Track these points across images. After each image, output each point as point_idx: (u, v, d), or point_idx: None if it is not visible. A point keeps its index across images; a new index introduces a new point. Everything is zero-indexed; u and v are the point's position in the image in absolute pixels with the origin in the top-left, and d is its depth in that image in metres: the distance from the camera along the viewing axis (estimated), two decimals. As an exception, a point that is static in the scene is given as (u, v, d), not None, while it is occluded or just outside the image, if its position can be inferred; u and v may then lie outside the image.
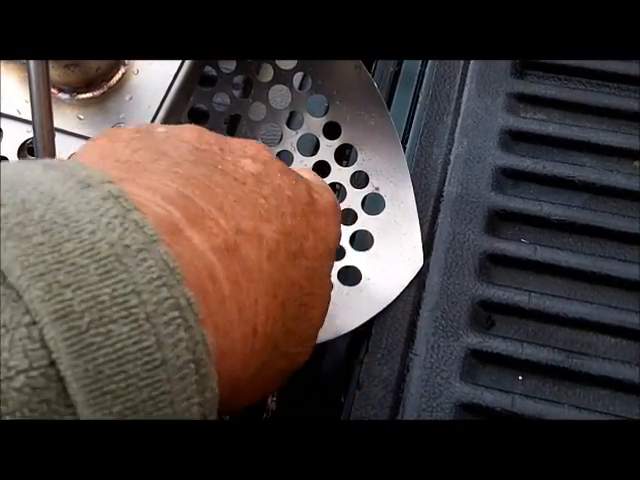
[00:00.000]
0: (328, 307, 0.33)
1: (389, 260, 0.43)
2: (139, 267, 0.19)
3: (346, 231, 0.44)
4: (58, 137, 0.34)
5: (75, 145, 0.37)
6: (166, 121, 0.38)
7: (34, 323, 0.18)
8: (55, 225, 0.19)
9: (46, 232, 0.19)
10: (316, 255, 0.30)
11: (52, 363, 0.18)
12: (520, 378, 0.40)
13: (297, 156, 0.46)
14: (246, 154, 0.29)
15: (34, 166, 0.21)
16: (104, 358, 0.18)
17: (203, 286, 0.22)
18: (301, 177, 0.31)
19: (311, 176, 0.35)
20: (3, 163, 0.21)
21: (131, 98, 0.38)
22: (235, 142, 0.30)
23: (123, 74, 0.39)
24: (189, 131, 0.29)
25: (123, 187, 0.21)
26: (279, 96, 0.47)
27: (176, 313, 0.20)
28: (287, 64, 0.45)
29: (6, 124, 0.38)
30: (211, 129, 0.46)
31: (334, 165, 0.46)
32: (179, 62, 0.39)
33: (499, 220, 0.45)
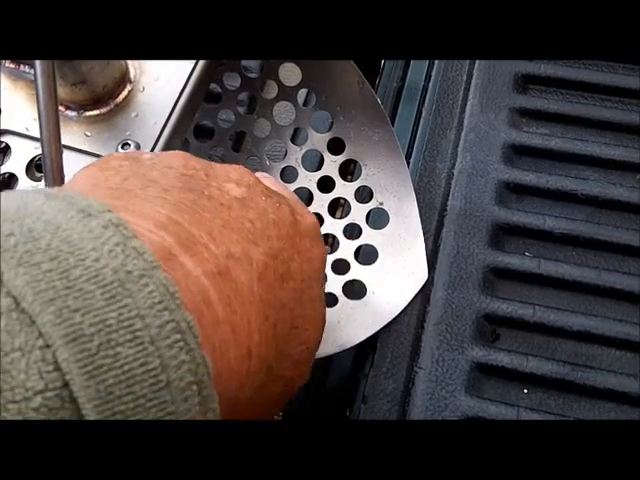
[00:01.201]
0: (322, 330, 0.33)
1: (394, 274, 0.43)
2: (141, 292, 0.20)
3: (351, 245, 0.44)
4: (66, 154, 0.35)
5: (82, 162, 0.38)
6: (172, 137, 0.38)
7: (47, 346, 0.19)
8: (61, 253, 0.20)
9: (54, 259, 0.20)
10: (303, 277, 0.30)
11: (66, 384, 0.18)
12: (525, 391, 0.40)
13: (301, 171, 0.47)
14: (230, 179, 0.30)
15: (36, 197, 0.22)
16: (114, 379, 0.19)
17: (199, 310, 0.23)
18: (284, 199, 0.31)
19: (280, 189, 0.35)
20: (5, 194, 0.22)
21: (137, 115, 0.39)
22: (219, 167, 0.31)
23: (129, 91, 0.39)
24: (175, 157, 0.30)
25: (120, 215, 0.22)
26: (283, 112, 0.47)
27: (178, 336, 0.20)
28: (291, 81, 0.45)
29: (15, 141, 0.38)
30: (216, 146, 0.47)
31: (338, 180, 0.46)
32: (184, 80, 0.39)
33: (503, 234, 0.45)
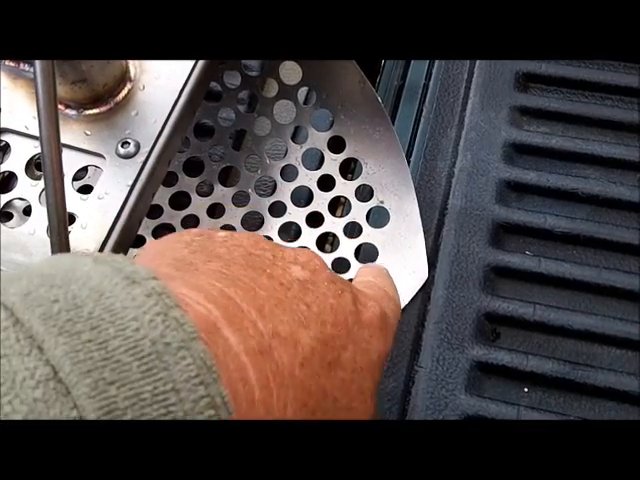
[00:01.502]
0: None
1: (394, 273, 0.43)
2: (178, 365, 0.20)
3: (351, 244, 0.44)
4: (65, 153, 0.35)
5: (82, 160, 0.38)
6: (172, 136, 0.38)
7: (80, 418, 0.19)
8: (102, 322, 0.20)
9: (94, 329, 0.20)
10: (355, 367, 0.29)
11: None
12: (525, 390, 0.40)
13: (302, 170, 0.46)
14: (297, 261, 0.30)
15: (85, 261, 0.22)
16: None
17: (234, 388, 0.23)
18: (349, 287, 0.31)
19: (380, 280, 0.35)
20: (57, 257, 0.23)
21: (137, 114, 0.39)
22: (288, 250, 0.30)
23: (129, 90, 0.39)
24: (247, 237, 0.30)
25: (168, 284, 0.22)
26: (284, 111, 0.47)
27: (212, 412, 0.20)
28: (292, 79, 0.45)
29: (14, 140, 0.38)
30: (216, 144, 0.47)
31: (339, 179, 0.46)
32: (185, 78, 0.39)
33: (503, 233, 0.45)
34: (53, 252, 0.32)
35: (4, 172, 0.38)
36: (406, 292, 0.43)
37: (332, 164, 0.46)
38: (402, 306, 0.42)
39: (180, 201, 0.47)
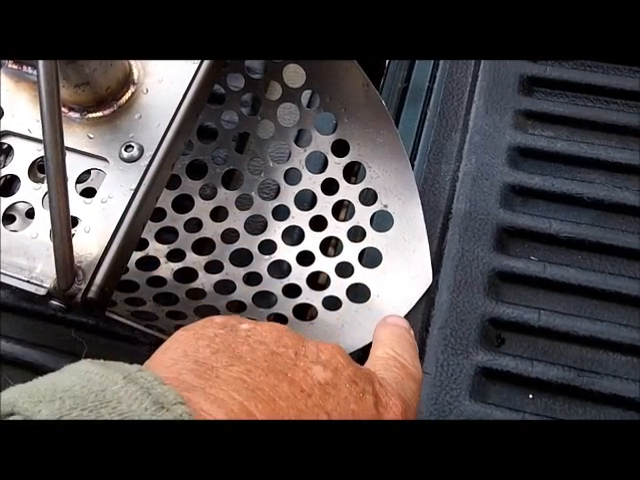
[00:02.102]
0: None
1: (398, 277, 0.43)
2: None
3: (355, 248, 0.44)
4: (68, 155, 0.35)
5: (85, 163, 0.37)
6: (176, 139, 0.38)
7: None
8: None
9: None
10: None
11: None
12: (530, 396, 0.40)
13: (305, 173, 0.46)
14: (319, 360, 0.29)
15: (116, 378, 0.23)
16: None
17: None
18: (371, 386, 0.30)
19: (399, 349, 0.34)
20: (87, 371, 0.23)
21: (140, 117, 0.38)
22: (311, 346, 0.30)
23: (133, 93, 0.39)
24: (270, 331, 0.30)
25: (192, 400, 0.23)
26: (287, 114, 0.47)
27: None
28: (295, 82, 0.45)
29: (17, 143, 0.38)
30: (220, 147, 0.47)
31: (342, 182, 0.46)
32: (188, 81, 0.39)
33: (508, 237, 0.45)
34: (56, 256, 0.32)
35: (7, 175, 0.38)
36: (410, 297, 0.42)
37: (336, 167, 0.46)
38: (406, 311, 0.42)
39: (183, 204, 0.47)
